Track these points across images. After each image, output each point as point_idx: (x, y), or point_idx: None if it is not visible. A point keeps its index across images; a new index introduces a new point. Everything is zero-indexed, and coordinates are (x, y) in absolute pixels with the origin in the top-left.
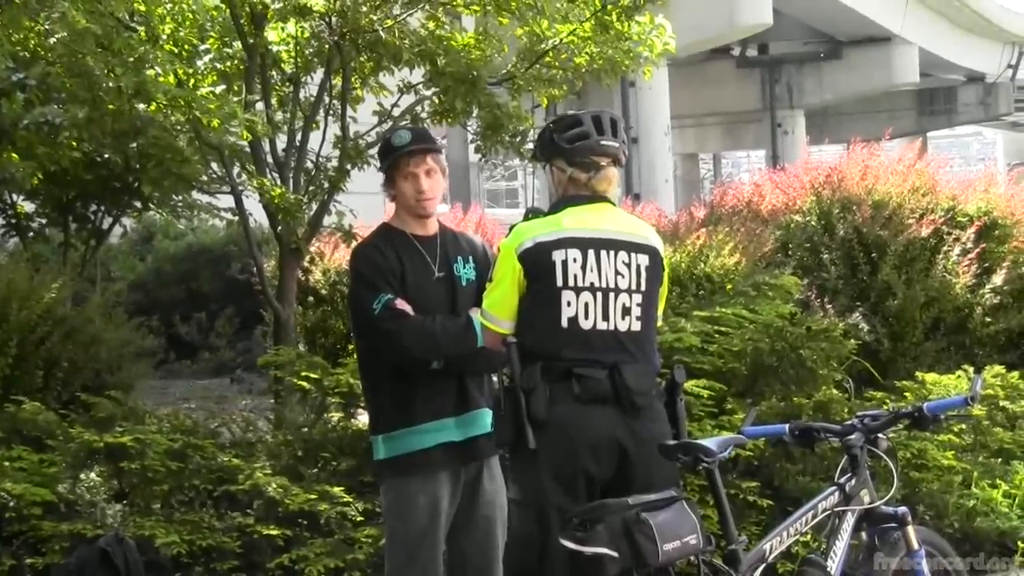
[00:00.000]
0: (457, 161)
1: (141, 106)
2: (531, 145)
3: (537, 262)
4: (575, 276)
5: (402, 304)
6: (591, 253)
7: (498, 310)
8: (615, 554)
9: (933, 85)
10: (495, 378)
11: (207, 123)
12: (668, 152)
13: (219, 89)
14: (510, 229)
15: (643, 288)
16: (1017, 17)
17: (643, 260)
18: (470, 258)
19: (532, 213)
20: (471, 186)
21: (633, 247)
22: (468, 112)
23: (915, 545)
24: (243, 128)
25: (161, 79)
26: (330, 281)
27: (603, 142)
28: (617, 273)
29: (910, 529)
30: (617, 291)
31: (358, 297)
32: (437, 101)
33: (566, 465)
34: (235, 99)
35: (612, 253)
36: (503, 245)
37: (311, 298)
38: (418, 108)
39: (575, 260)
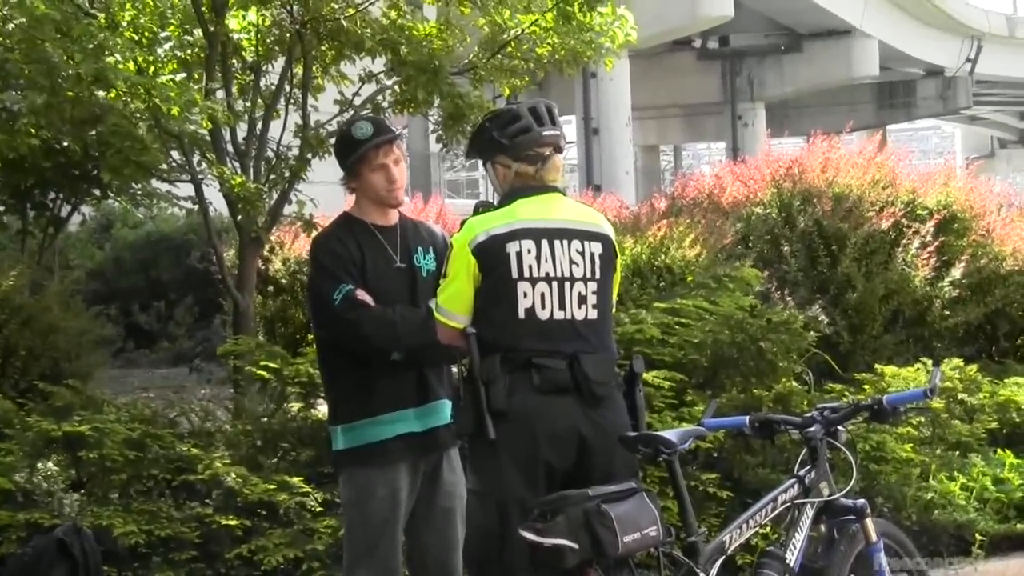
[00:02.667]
0: (418, 151)
1: (100, 93)
2: None
3: (491, 255)
4: (530, 267)
5: (362, 295)
6: (545, 243)
7: (453, 305)
8: (575, 545)
9: (893, 79)
10: (455, 369)
11: (167, 111)
12: (629, 143)
13: (179, 77)
14: (461, 224)
15: (598, 276)
16: (976, 11)
17: (596, 248)
18: (430, 248)
19: (483, 207)
20: (431, 176)
21: (586, 235)
22: (430, 102)
23: (873, 537)
24: (204, 116)
25: (121, 67)
26: (290, 271)
27: (545, 132)
28: (572, 262)
29: (869, 521)
30: (572, 280)
31: (318, 287)
32: (399, 90)
33: (526, 456)
34: (195, 87)
35: (566, 242)
36: (456, 240)
37: (271, 288)
38: (379, 97)
39: (529, 251)
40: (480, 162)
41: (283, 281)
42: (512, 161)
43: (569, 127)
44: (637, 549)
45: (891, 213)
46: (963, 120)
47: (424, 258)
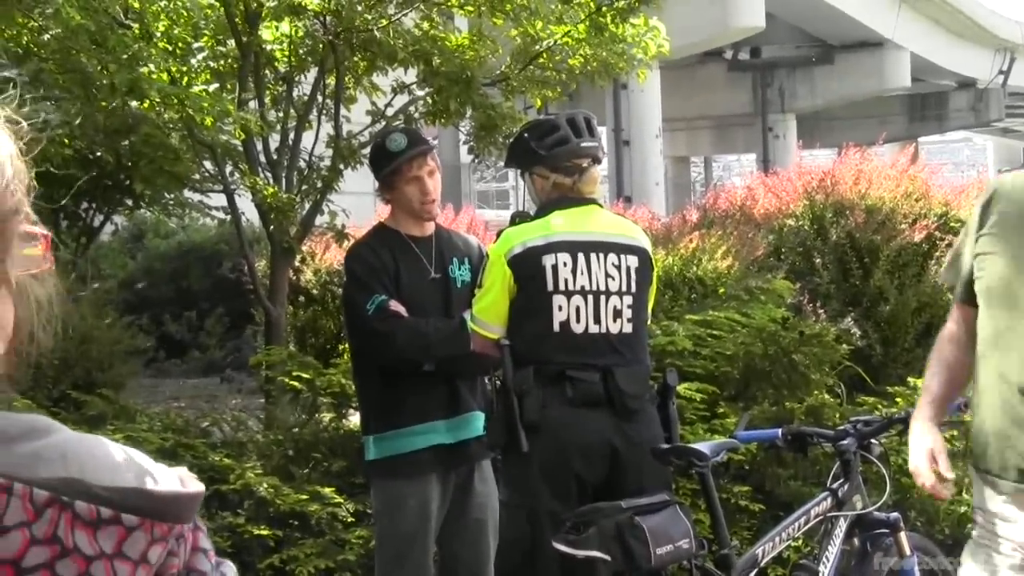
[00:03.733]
0: (448, 162)
1: (134, 104)
2: None
3: (527, 267)
4: (566, 280)
5: (396, 306)
6: (581, 256)
7: (488, 316)
8: (607, 557)
9: (924, 90)
10: (488, 380)
11: (200, 121)
12: (659, 155)
13: (212, 88)
14: (498, 234)
15: (633, 290)
16: (1008, 23)
17: (633, 261)
18: (465, 259)
19: (519, 217)
20: (461, 187)
21: (623, 248)
22: (462, 113)
23: (907, 551)
24: (237, 126)
25: (155, 77)
26: (321, 281)
27: (583, 144)
28: (607, 275)
29: (902, 535)
30: (608, 293)
31: (352, 298)
32: (431, 101)
33: (558, 468)
34: (228, 98)
35: (602, 255)
36: (492, 251)
37: (301, 298)
38: (411, 108)
39: (565, 264)
40: (516, 172)
41: (314, 291)
42: (550, 172)
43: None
44: (670, 561)
45: (924, 226)
46: (995, 132)
47: (459, 269)
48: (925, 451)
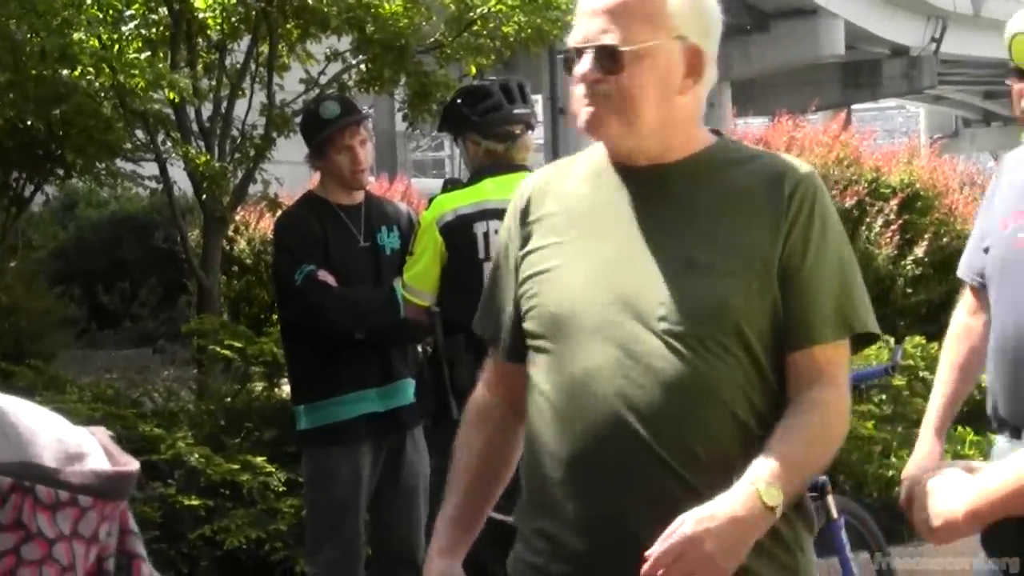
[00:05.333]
0: (384, 131)
1: (65, 72)
2: None
3: (458, 234)
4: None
5: (324, 275)
6: None
7: (419, 283)
8: None
9: (858, 58)
10: (419, 348)
11: (133, 86)
12: None
13: (144, 56)
14: (429, 201)
15: None
16: None
17: None
18: (395, 227)
19: (451, 184)
20: (397, 156)
21: None
22: (396, 80)
23: (835, 514)
24: (170, 90)
25: (86, 44)
26: (255, 251)
27: (516, 110)
28: None
29: (830, 498)
30: None
31: (280, 268)
32: (364, 69)
33: None
34: (160, 66)
35: None
36: (423, 217)
37: (236, 268)
38: (345, 76)
39: (496, 231)
40: (452, 141)
41: (248, 261)
42: (482, 139)
43: (536, 107)
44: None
45: (855, 191)
46: (928, 100)
47: (388, 236)
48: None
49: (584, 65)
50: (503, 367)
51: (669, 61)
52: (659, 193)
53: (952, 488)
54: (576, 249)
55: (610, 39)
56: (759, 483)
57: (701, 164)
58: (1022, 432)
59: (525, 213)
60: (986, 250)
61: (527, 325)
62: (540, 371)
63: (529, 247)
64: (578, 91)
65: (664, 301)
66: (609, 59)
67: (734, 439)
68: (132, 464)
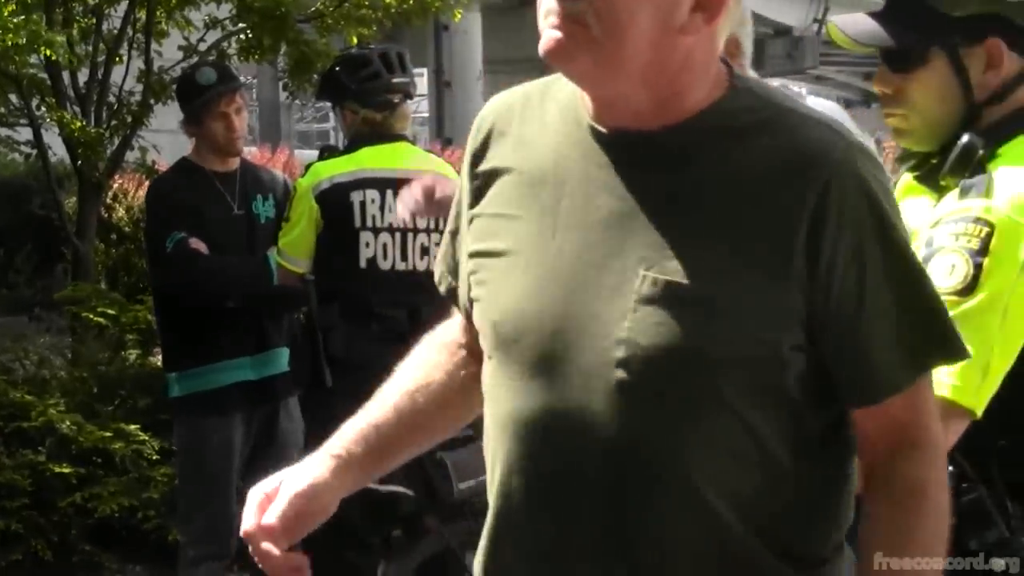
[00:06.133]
0: (268, 100)
1: None
2: None
3: (334, 202)
4: (373, 216)
5: (195, 243)
6: (389, 193)
7: (294, 250)
8: (410, 492)
9: None
10: (293, 316)
11: (8, 43)
12: (481, 97)
13: (18, 20)
14: (306, 168)
15: (441, 228)
16: None
17: None
18: (270, 195)
19: (328, 152)
20: (281, 126)
21: None
22: (276, 49)
23: None
24: (46, 48)
25: None
26: (134, 219)
27: (395, 79)
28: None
29: None
30: (416, 231)
31: (152, 234)
32: (244, 38)
33: (362, 404)
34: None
35: None
36: (299, 184)
37: (114, 236)
38: (225, 44)
39: (373, 200)
40: (330, 108)
41: (127, 229)
42: (360, 107)
43: (421, 80)
44: (473, 495)
45: None
46: (809, 79)
47: (263, 205)
48: None
49: None
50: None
51: None
52: (644, 173)
53: None
54: (531, 235)
55: None
56: None
57: (702, 134)
58: None
59: (479, 154)
60: None
61: (475, 318)
62: (488, 384)
63: (479, 208)
64: (545, 4)
65: (627, 340)
66: None
67: (706, 538)
68: None
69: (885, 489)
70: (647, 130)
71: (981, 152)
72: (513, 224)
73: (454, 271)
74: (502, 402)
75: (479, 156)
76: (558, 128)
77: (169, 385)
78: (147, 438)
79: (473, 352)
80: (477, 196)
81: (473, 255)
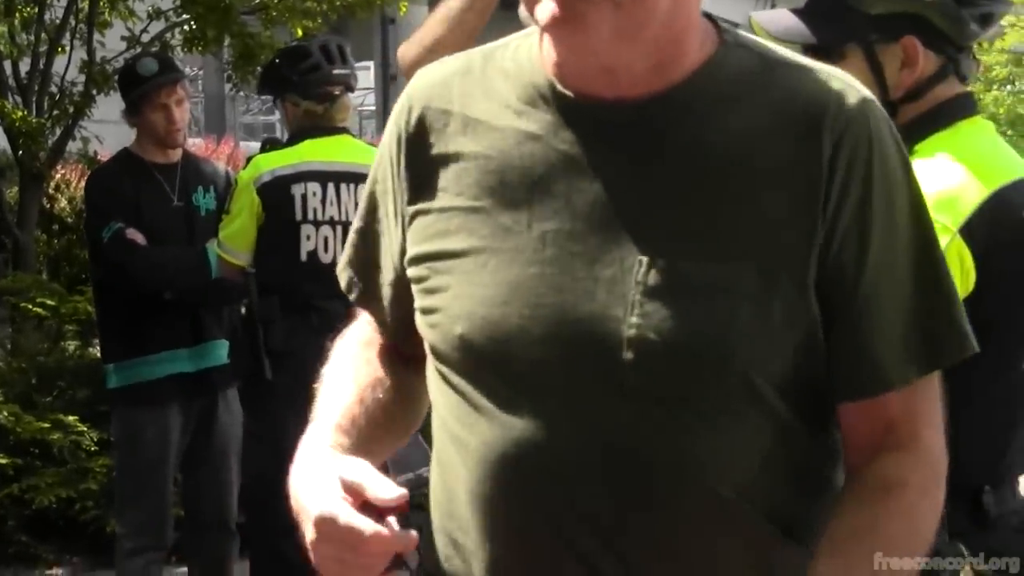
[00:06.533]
0: (213, 93)
1: None
2: None
3: (276, 195)
4: (315, 210)
5: (133, 233)
6: (331, 186)
7: (235, 242)
8: None
9: None
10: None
11: None
12: None
13: None
14: (247, 161)
15: None
16: None
17: None
18: (211, 187)
19: (270, 144)
20: (226, 118)
21: None
22: (220, 41)
23: None
24: None
25: None
26: (76, 209)
27: (335, 71)
28: (357, 206)
29: None
30: None
31: (90, 224)
32: (188, 29)
33: (302, 397)
34: None
35: (352, 186)
36: (241, 177)
37: (56, 226)
38: (168, 35)
39: (315, 193)
40: (273, 100)
41: (69, 220)
42: (301, 99)
43: (368, 73)
44: (410, 489)
45: None
46: None
47: (204, 197)
48: None
49: None
50: (390, 342)
51: None
52: (635, 146)
53: None
54: (499, 229)
55: None
56: None
57: (697, 96)
58: None
59: (416, 141)
60: None
61: (425, 332)
62: (448, 407)
63: (422, 204)
64: None
65: (636, 339)
66: None
67: (740, 551)
68: None
69: (855, 486)
70: (634, 97)
71: None
72: (473, 218)
73: (368, 275)
74: (477, 429)
75: (416, 143)
76: (514, 103)
77: (107, 376)
78: (85, 429)
79: (401, 354)
80: (417, 190)
81: (419, 259)
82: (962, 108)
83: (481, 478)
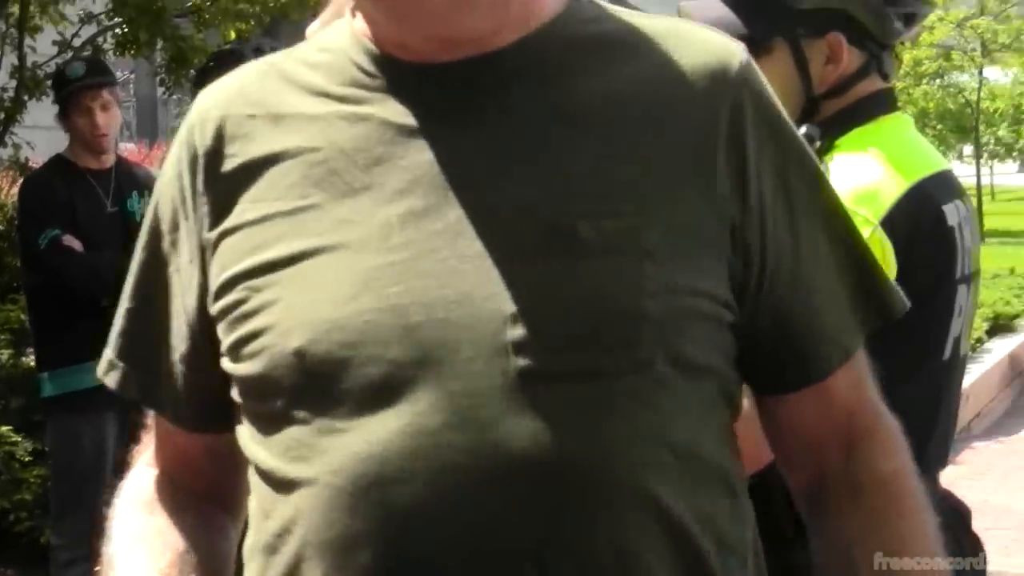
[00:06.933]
0: (146, 96)
1: None
2: None
3: None
4: None
5: (69, 240)
6: None
7: None
8: None
9: None
10: None
11: None
12: None
13: None
14: None
15: None
16: None
17: None
18: (145, 192)
19: None
20: (159, 122)
21: None
22: (152, 45)
23: None
24: None
25: None
26: (8, 217)
27: None
28: None
29: None
30: None
31: (25, 231)
32: (120, 33)
33: None
34: None
35: None
36: None
37: None
38: (100, 39)
39: None
40: None
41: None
42: None
43: None
44: None
45: None
46: None
47: (139, 202)
48: None
49: None
50: (182, 441)
51: None
52: (480, 106)
53: None
54: (339, 222)
55: None
56: None
57: (547, 46)
58: None
59: (215, 154)
60: None
61: (240, 372)
62: (278, 448)
63: (230, 221)
64: None
65: (518, 313)
66: None
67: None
68: None
69: (852, 489)
70: (478, 55)
71: (818, 143)
72: (303, 218)
73: (149, 363)
74: (324, 457)
75: (215, 157)
76: (334, 89)
77: (41, 384)
78: (19, 439)
79: (195, 477)
80: (222, 210)
81: (230, 284)
82: (883, 104)
83: (332, 516)
